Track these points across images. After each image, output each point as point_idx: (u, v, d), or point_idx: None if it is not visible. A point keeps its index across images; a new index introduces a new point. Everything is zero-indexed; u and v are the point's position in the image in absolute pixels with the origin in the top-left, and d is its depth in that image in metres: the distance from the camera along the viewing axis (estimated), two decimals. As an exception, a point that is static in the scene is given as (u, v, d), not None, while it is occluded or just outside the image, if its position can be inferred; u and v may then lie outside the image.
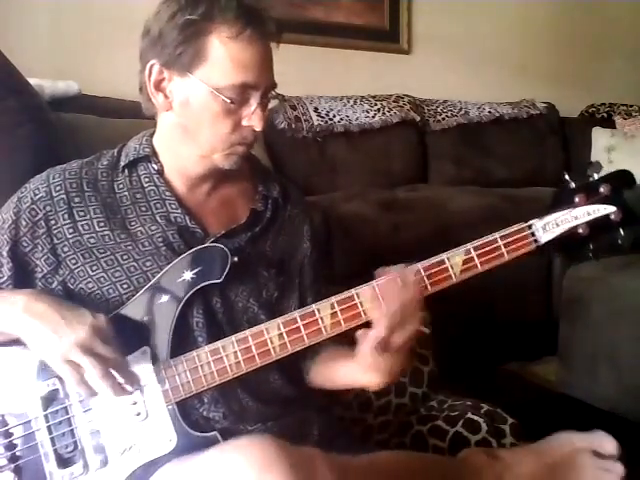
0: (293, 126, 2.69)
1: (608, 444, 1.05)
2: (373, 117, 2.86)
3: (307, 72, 2.95)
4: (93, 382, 0.89)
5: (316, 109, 2.78)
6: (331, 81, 3.00)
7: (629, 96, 3.61)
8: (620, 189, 0.96)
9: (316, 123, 2.74)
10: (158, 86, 1.00)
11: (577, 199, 0.95)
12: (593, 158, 3.22)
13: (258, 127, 0.99)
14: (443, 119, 3.06)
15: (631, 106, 3.54)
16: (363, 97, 2.94)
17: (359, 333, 0.94)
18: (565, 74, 3.62)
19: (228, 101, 0.95)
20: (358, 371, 0.99)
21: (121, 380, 0.91)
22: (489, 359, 2.27)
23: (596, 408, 1.90)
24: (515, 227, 0.96)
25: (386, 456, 1.06)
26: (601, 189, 0.95)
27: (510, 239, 0.95)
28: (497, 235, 0.96)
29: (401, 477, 1.00)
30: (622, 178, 0.97)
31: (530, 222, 0.96)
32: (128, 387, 0.93)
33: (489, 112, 3.15)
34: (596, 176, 0.96)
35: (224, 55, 0.95)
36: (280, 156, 2.61)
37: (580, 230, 0.95)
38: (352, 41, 3.12)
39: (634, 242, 0.95)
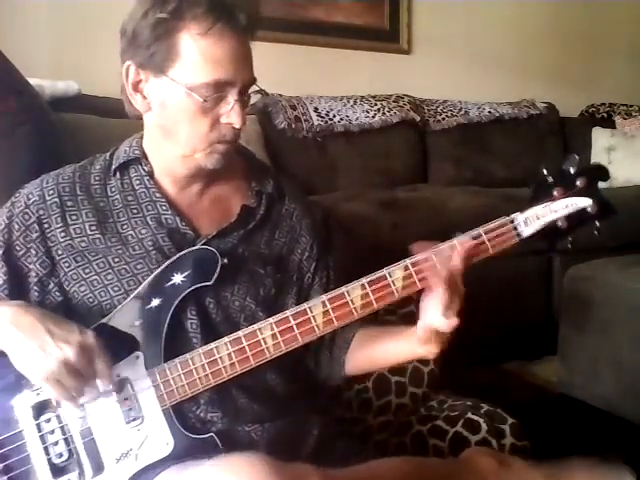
0: (293, 126, 2.69)
1: (624, 472, 1.03)
2: (373, 117, 2.87)
3: (307, 72, 2.96)
4: (76, 399, 0.89)
5: (316, 109, 2.78)
6: (331, 81, 3.00)
7: (629, 96, 3.62)
8: (595, 182, 0.98)
9: (316, 123, 2.74)
10: (136, 87, 0.99)
11: (555, 193, 0.97)
12: (593, 158, 3.22)
13: (237, 124, 0.97)
14: (443, 119, 3.07)
15: (631, 106, 3.55)
16: (363, 97, 2.94)
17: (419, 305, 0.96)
18: (565, 74, 3.63)
19: (201, 100, 0.94)
20: (413, 344, 1.00)
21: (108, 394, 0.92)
22: (489, 359, 2.26)
23: (596, 408, 1.90)
24: (498, 221, 0.98)
25: (385, 465, 1.03)
26: (577, 182, 0.97)
27: (494, 233, 0.97)
28: (481, 230, 0.98)
29: None
30: (597, 171, 0.99)
31: (512, 216, 0.98)
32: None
33: (489, 112, 3.16)
34: (572, 170, 0.98)
35: (195, 52, 0.93)
36: (280, 156, 2.61)
37: (559, 223, 0.98)
38: (352, 41, 3.13)
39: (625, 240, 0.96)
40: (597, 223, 0.98)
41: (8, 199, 1.06)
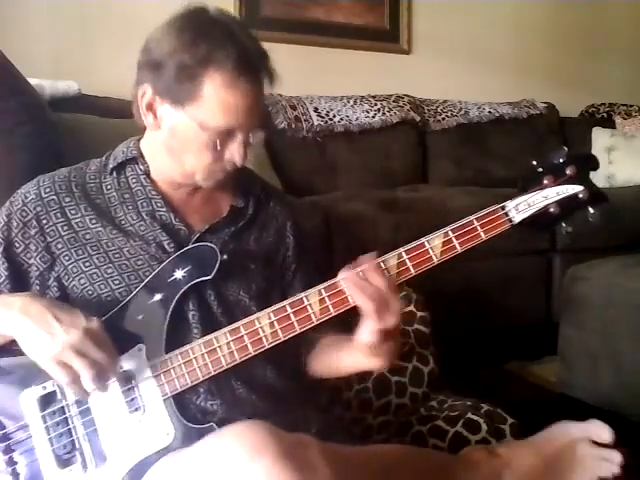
0: (293, 126, 2.69)
1: (604, 433, 1.07)
2: (373, 117, 2.87)
3: (307, 72, 2.96)
4: (83, 384, 0.90)
5: (316, 109, 2.78)
6: (331, 81, 3.00)
7: (629, 96, 3.62)
8: (585, 170, 1.00)
9: (316, 123, 2.74)
10: (150, 107, 1.03)
11: (546, 181, 0.99)
12: (593, 158, 3.21)
13: (239, 163, 1.03)
14: (443, 119, 3.06)
15: (631, 106, 3.54)
16: (363, 97, 2.94)
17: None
18: (565, 74, 3.62)
19: (211, 141, 1.00)
20: (362, 357, 1.02)
21: (111, 381, 0.93)
22: (489, 359, 2.27)
23: (596, 408, 1.90)
24: (489, 209, 1.01)
25: (382, 448, 1.07)
26: (567, 171, 0.99)
27: (485, 220, 1.00)
28: (473, 217, 1.00)
29: (396, 468, 1.01)
30: (586, 159, 1.01)
31: (503, 204, 1.01)
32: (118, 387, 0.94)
33: (489, 112, 3.16)
34: (561, 160, 1.00)
35: (215, 100, 0.98)
36: (280, 156, 2.61)
37: (552, 209, 1.00)
38: (352, 41, 3.13)
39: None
40: (591, 210, 1.00)
41: (8, 198, 1.08)
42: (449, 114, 3.09)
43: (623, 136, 3.25)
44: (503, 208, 1.00)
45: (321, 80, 2.99)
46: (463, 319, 2.13)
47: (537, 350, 2.36)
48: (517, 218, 1.00)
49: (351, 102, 2.88)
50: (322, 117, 2.77)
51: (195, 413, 0.97)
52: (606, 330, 1.93)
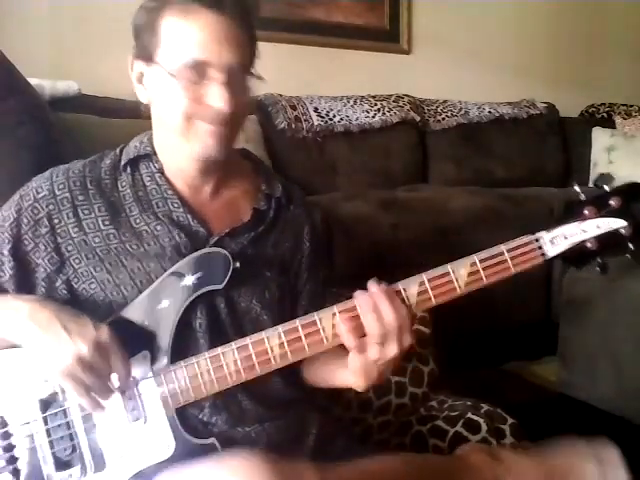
0: (293, 126, 2.69)
1: (611, 452, 1.02)
2: (373, 117, 2.86)
3: (307, 72, 2.96)
4: (93, 396, 0.89)
5: (316, 109, 2.78)
6: (331, 81, 3.00)
7: (629, 96, 3.61)
8: (631, 202, 0.91)
9: (316, 123, 2.74)
10: (140, 80, 1.02)
11: (586, 211, 0.91)
12: (593, 158, 3.22)
13: (219, 104, 0.94)
14: (443, 119, 3.06)
15: (631, 106, 3.54)
16: (363, 97, 2.94)
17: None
18: (565, 74, 3.62)
19: (181, 82, 0.94)
20: (348, 374, 0.99)
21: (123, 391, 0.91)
22: (489, 359, 2.27)
23: (596, 408, 1.90)
24: (522, 240, 0.92)
25: (382, 461, 1.03)
26: (611, 202, 0.90)
27: (517, 252, 0.92)
28: (503, 248, 0.92)
29: None
30: (634, 191, 0.92)
31: (537, 235, 0.92)
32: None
33: (489, 112, 3.16)
34: (607, 188, 0.91)
35: (172, 34, 0.95)
36: (280, 156, 2.61)
37: (589, 244, 0.92)
38: (352, 41, 3.12)
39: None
40: (631, 246, 0.91)
41: (8, 198, 1.05)
42: (449, 114, 3.08)
43: (623, 136, 3.25)
44: (537, 240, 0.92)
45: (321, 80, 2.99)
46: (463, 319, 2.12)
47: (537, 350, 2.36)
48: (551, 252, 0.91)
49: (351, 102, 2.88)
50: (322, 117, 2.76)
51: (197, 425, 0.95)
52: (606, 330, 1.93)
